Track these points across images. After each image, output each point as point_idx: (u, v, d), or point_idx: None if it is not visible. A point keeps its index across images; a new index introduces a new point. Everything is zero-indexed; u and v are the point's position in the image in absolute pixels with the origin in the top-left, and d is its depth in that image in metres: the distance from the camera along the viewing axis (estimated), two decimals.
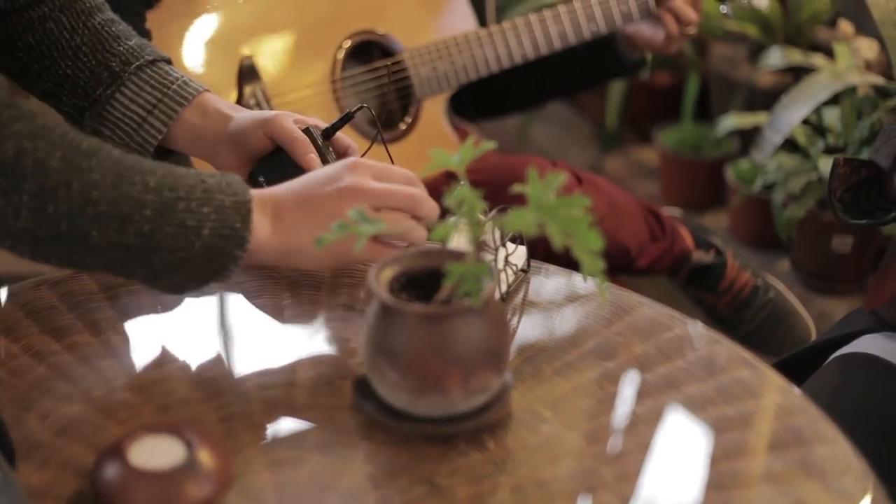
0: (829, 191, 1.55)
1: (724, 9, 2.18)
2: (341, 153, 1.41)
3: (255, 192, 1.19)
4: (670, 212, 2.24)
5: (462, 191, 1.01)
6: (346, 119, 1.40)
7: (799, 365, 1.56)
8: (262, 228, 1.18)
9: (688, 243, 2.11)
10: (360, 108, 1.42)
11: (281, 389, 1.16)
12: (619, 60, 2.09)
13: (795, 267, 2.56)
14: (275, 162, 1.38)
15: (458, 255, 1.07)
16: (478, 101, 2.16)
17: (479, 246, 1.04)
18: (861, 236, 2.44)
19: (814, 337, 2.22)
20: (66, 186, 1.11)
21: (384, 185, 1.20)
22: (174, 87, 1.43)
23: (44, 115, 1.14)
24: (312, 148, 1.36)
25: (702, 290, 2.18)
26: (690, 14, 2.00)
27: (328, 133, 1.40)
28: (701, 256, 2.13)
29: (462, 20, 1.99)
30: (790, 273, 2.58)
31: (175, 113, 1.42)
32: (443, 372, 1.03)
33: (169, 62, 1.46)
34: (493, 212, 1.18)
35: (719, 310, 2.20)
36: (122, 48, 1.43)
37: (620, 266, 1.98)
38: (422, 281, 1.09)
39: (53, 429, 1.10)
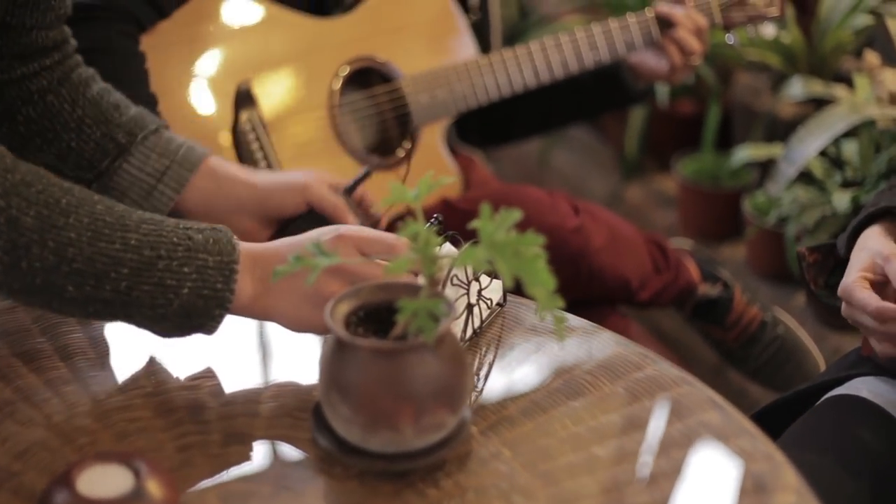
0: (807, 283, 1.52)
1: (730, 39, 2.16)
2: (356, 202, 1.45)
3: (244, 250, 1.18)
4: (680, 243, 2.22)
5: (415, 226, 1.00)
6: (365, 176, 1.46)
7: (796, 404, 1.53)
8: (245, 290, 1.17)
9: (693, 276, 2.08)
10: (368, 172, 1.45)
11: (242, 419, 1.15)
12: (624, 90, 2.08)
13: (811, 302, 2.52)
14: (308, 225, 1.35)
15: (413, 290, 1.06)
16: (483, 127, 2.15)
17: (434, 281, 1.03)
18: None
19: None
20: (40, 244, 1.12)
21: (367, 266, 1.18)
22: (180, 153, 1.44)
23: (25, 171, 1.14)
24: (351, 214, 1.39)
25: (708, 324, 2.15)
26: (694, 44, 1.98)
27: (349, 190, 1.41)
28: (707, 290, 2.10)
29: (463, 48, 1.98)
30: (805, 308, 2.54)
31: (185, 180, 1.43)
32: (394, 408, 1.02)
33: (167, 127, 1.46)
34: (466, 245, 1.17)
35: (727, 344, 2.17)
36: (124, 118, 1.45)
37: (621, 298, 1.96)
38: (382, 315, 1.08)
39: (12, 453, 1.10)
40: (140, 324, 1.18)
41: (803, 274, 1.51)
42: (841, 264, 1.48)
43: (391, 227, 1.83)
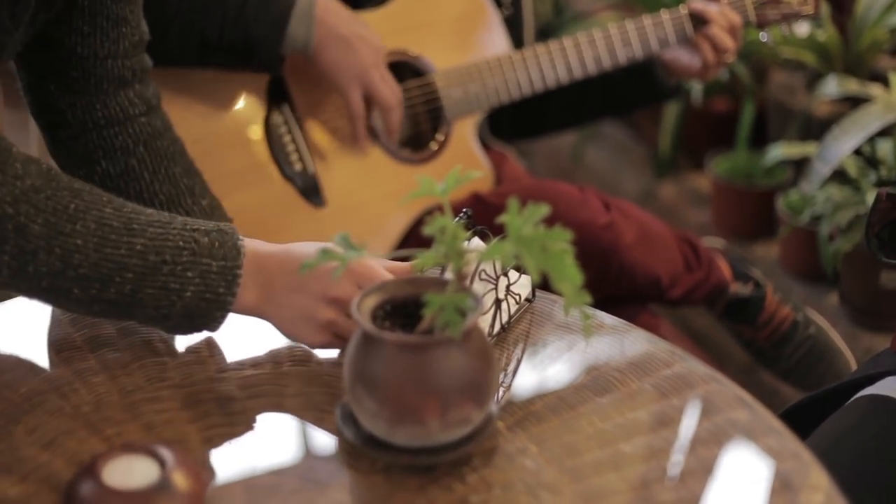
0: (868, 225, 1.51)
1: (763, 37, 2.15)
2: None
3: (250, 253, 1.20)
4: (712, 242, 2.20)
5: (443, 220, 0.99)
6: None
7: (826, 403, 1.52)
8: (246, 295, 1.20)
9: (725, 275, 2.07)
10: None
11: (268, 413, 1.15)
12: (656, 86, 2.07)
13: (844, 301, 2.51)
14: None
15: (441, 285, 1.06)
16: (515, 121, 2.14)
17: (462, 276, 1.02)
18: None
19: None
20: (47, 250, 1.13)
21: None
22: None
23: (35, 175, 1.14)
24: None
25: (740, 323, 2.13)
26: (728, 42, 1.97)
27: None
28: (738, 289, 2.09)
29: (496, 43, 1.97)
30: (838, 307, 2.52)
31: None
32: (420, 403, 1.01)
33: (231, 222, 1.47)
34: (495, 240, 1.16)
35: (758, 344, 2.16)
36: (195, 208, 1.47)
37: (652, 295, 1.95)
38: (409, 309, 1.08)
39: (40, 443, 1.10)
40: (143, 322, 1.20)
41: (871, 214, 1.49)
42: None
43: (420, 221, 1.84)
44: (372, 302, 1.06)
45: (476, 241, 1.24)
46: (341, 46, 1.75)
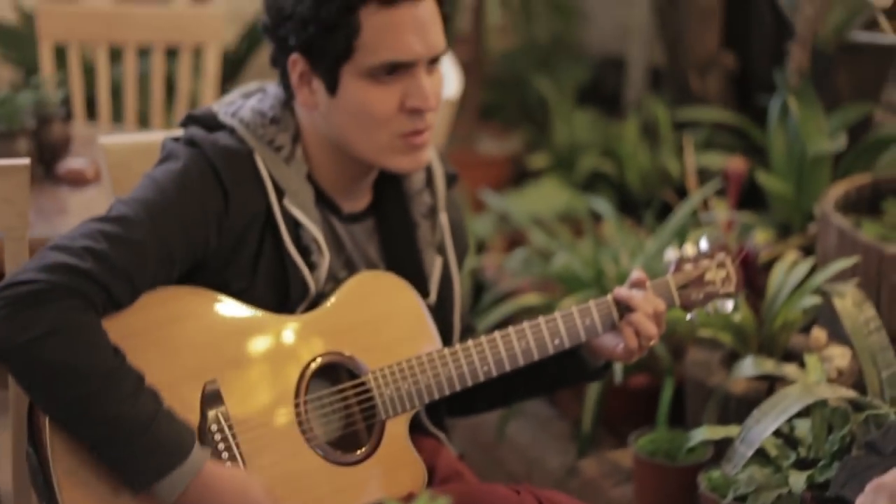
0: None
1: (690, 316, 2.18)
2: None
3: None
4: None
5: None
6: None
7: None
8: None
9: None
10: None
11: None
12: (582, 367, 2.08)
13: None
14: None
15: None
16: (447, 405, 2.15)
17: None
18: None
19: None
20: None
21: None
22: None
23: None
24: None
25: None
26: (651, 329, 1.99)
27: None
28: None
29: (427, 340, 2.00)
30: None
31: None
32: None
33: None
34: None
35: None
36: None
37: None
38: None
39: None
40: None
41: None
42: None
43: None
44: None
45: None
46: None
